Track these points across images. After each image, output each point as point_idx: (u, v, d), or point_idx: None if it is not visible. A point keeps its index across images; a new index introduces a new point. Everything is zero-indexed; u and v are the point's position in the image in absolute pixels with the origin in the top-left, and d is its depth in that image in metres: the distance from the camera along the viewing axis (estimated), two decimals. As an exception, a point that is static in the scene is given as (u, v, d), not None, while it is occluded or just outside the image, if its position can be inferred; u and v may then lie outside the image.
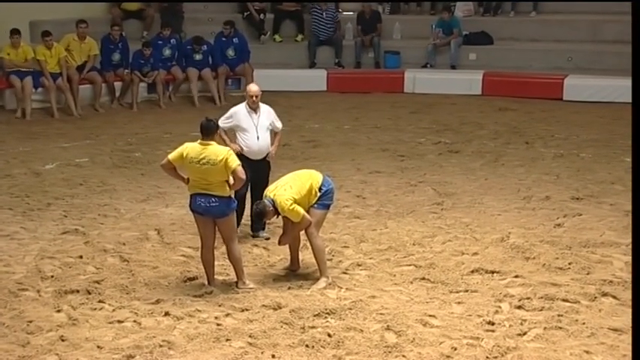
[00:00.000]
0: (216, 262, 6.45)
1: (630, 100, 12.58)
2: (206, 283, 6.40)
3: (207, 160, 6.04)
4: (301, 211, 6.23)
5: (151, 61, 12.92)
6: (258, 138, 7.15)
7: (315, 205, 6.38)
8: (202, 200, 6.12)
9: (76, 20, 12.77)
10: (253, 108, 7.20)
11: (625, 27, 13.59)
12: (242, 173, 6.09)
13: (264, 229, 7.37)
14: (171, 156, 6.23)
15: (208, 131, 6.14)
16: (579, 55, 13.68)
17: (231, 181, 6.13)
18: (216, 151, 6.09)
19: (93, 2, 14.32)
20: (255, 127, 7.17)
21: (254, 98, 7.16)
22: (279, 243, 6.63)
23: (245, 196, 7.20)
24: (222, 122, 7.10)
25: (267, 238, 7.23)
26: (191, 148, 6.15)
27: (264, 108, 7.31)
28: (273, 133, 7.37)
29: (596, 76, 13.09)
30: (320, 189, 6.39)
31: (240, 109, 7.24)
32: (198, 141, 6.18)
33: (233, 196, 6.31)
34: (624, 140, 10.64)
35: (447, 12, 14.26)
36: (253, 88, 7.27)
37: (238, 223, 7.09)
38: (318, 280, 6.43)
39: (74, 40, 12.61)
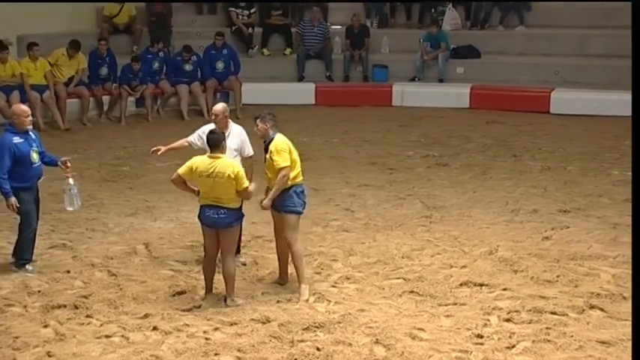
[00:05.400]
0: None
1: (617, 114, 12.83)
2: (203, 292, 6.42)
3: (217, 173, 6.08)
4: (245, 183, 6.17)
5: (139, 75, 12.93)
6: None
7: (286, 210, 6.38)
8: (212, 212, 6.15)
9: (65, 34, 12.78)
10: (221, 129, 6.70)
11: (611, 41, 13.80)
12: (250, 194, 6.18)
13: (239, 252, 7.10)
14: (181, 170, 6.26)
15: (216, 143, 6.18)
16: (566, 68, 13.77)
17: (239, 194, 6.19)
18: (227, 164, 6.13)
19: (82, 15, 14.33)
20: None
21: (213, 117, 6.82)
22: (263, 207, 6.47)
23: None
24: (195, 136, 6.88)
25: (244, 264, 7.08)
26: (200, 162, 6.18)
27: (236, 130, 6.88)
28: (244, 159, 6.86)
29: (582, 90, 13.16)
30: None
31: (209, 128, 6.78)
32: (207, 154, 6.22)
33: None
34: (611, 153, 10.73)
35: (435, 26, 14.34)
36: (215, 107, 6.90)
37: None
38: (300, 289, 6.44)
39: (63, 56, 12.60)
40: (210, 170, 6.10)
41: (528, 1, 14.92)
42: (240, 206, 6.27)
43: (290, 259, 6.57)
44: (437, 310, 6.17)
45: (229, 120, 6.93)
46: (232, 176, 6.07)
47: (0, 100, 11.95)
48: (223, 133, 6.39)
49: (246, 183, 6.14)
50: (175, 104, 13.34)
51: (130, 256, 7.36)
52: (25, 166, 6.78)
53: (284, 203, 6.39)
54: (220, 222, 6.17)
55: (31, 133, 6.94)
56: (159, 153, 7.08)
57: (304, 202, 6.48)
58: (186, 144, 7.04)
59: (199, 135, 6.91)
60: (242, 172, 6.16)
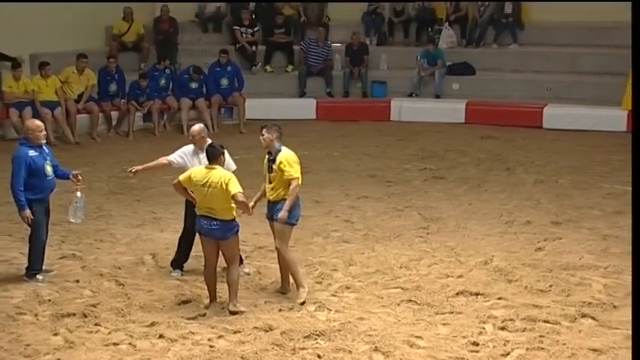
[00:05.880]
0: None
1: (607, 129, 12.87)
2: (208, 301, 6.44)
3: (210, 183, 6.14)
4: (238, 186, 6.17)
5: (147, 92, 12.98)
6: None
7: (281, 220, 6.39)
8: (205, 222, 6.23)
9: (75, 52, 12.85)
10: (199, 148, 6.87)
11: (601, 59, 13.85)
12: (242, 198, 6.13)
13: (242, 262, 7.08)
14: (182, 177, 6.42)
15: (212, 156, 6.25)
16: (558, 85, 13.79)
17: (232, 204, 6.18)
18: (219, 174, 6.17)
19: (92, 34, 14.38)
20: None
21: (190, 137, 6.94)
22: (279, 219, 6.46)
23: (195, 234, 6.85)
24: (175, 156, 6.97)
25: (248, 274, 7.08)
26: (198, 172, 6.30)
27: None
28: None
29: (574, 106, 13.18)
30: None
31: (188, 149, 6.94)
32: (205, 164, 6.30)
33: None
34: (601, 167, 10.74)
35: (432, 44, 14.39)
36: (192, 128, 7.00)
37: (186, 258, 7.10)
38: (298, 292, 6.47)
39: (73, 73, 12.68)
40: (205, 180, 6.17)
41: None
42: (234, 218, 6.25)
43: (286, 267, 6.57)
44: (434, 319, 6.17)
45: (207, 139, 6.94)
46: (224, 186, 6.10)
47: (13, 116, 12.03)
48: (222, 147, 6.38)
49: (236, 188, 6.12)
50: (180, 119, 13.34)
51: (138, 266, 7.37)
52: (39, 178, 6.83)
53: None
54: (214, 233, 6.21)
55: (44, 147, 6.99)
56: (133, 171, 7.10)
57: (299, 215, 6.51)
58: (165, 162, 7.07)
59: (179, 155, 6.99)
60: (234, 180, 6.17)
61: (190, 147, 6.96)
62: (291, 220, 6.45)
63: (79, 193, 7.06)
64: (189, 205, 6.90)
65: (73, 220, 7.21)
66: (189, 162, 6.88)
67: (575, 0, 13.96)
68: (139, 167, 7.16)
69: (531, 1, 14.84)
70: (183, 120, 13.13)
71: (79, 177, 7.08)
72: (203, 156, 6.78)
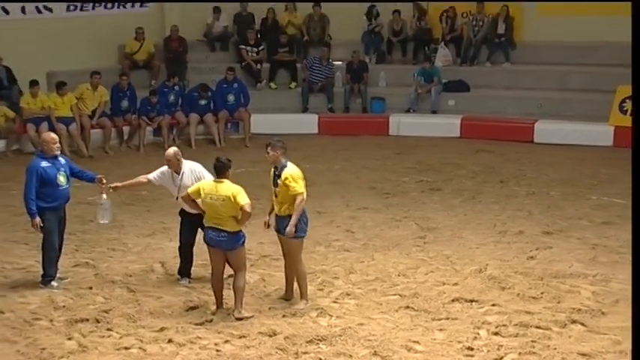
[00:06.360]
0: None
1: (595, 143, 12.90)
2: (215, 307, 6.45)
3: (218, 196, 6.16)
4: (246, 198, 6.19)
5: (157, 107, 13.04)
6: (177, 199, 6.84)
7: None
8: (213, 234, 6.24)
9: (89, 70, 12.93)
10: (173, 170, 6.92)
11: (589, 77, 13.90)
12: (249, 209, 6.15)
13: None
14: (190, 190, 6.44)
15: (220, 170, 6.28)
16: (548, 102, 13.80)
17: (239, 216, 6.18)
18: (228, 187, 6.19)
19: (105, 53, 14.45)
20: (176, 188, 6.89)
21: (165, 161, 6.94)
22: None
23: (193, 245, 7.05)
24: (155, 175, 7.04)
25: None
26: (207, 184, 6.33)
27: (189, 167, 6.90)
28: None
29: (563, 122, 13.21)
30: None
31: (166, 169, 6.97)
32: (214, 179, 6.33)
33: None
34: (589, 180, 10.75)
35: (428, 62, 14.44)
36: (166, 152, 6.99)
37: (190, 266, 7.11)
38: (300, 302, 6.51)
39: (87, 90, 12.75)
40: (213, 193, 6.19)
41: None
42: (241, 229, 6.27)
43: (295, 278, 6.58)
44: (431, 324, 6.17)
45: (182, 161, 6.95)
46: (232, 199, 6.11)
47: (30, 131, 12.10)
48: (229, 160, 6.39)
49: (244, 200, 6.13)
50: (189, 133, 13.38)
51: (148, 273, 7.37)
52: (51, 188, 6.86)
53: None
54: (222, 244, 6.22)
55: (60, 158, 7.04)
56: (112, 186, 7.16)
57: (306, 227, 6.51)
58: (145, 180, 7.13)
59: (158, 174, 7.05)
60: (242, 192, 6.19)
61: (166, 169, 7.01)
62: (299, 234, 6.45)
63: (104, 196, 7.12)
64: (183, 220, 6.97)
65: (101, 222, 7.26)
66: (166, 180, 6.98)
67: (577, 0, 13.94)
68: (119, 184, 7.21)
69: (532, 0, 14.79)
70: (191, 134, 13.18)
71: (104, 180, 7.14)
72: (178, 178, 6.89)
